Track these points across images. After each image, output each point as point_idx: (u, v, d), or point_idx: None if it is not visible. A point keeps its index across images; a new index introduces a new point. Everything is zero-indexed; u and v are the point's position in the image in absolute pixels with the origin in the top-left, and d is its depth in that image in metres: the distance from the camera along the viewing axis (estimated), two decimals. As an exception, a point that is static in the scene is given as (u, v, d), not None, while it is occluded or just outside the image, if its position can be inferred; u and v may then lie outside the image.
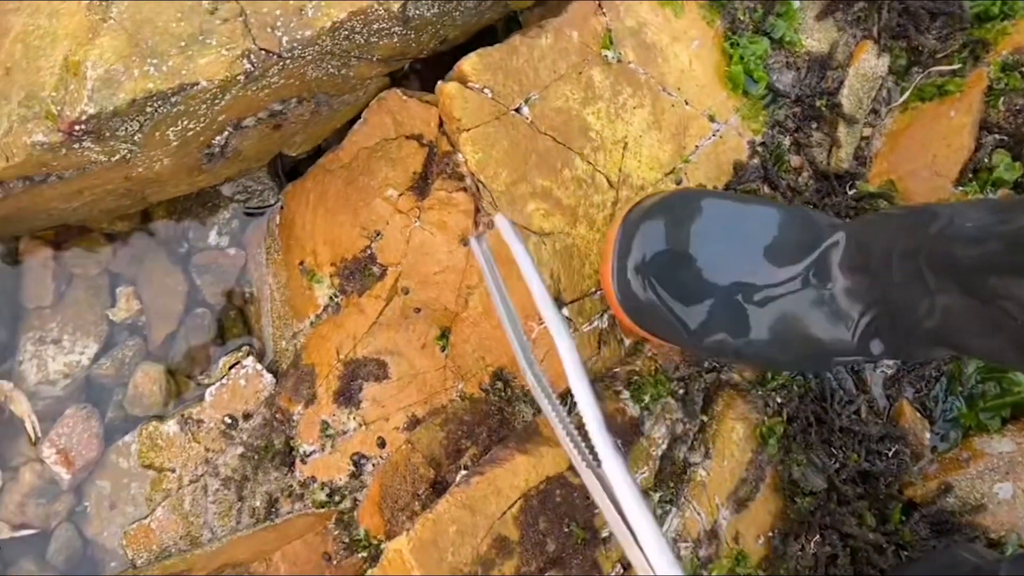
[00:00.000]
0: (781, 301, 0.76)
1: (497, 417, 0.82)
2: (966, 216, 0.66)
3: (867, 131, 0.97)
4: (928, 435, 0.95)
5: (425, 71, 0.96)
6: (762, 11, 0.94)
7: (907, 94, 0.97)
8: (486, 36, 0.90)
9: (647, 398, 0.84)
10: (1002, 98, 0.93)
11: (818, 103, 0.94)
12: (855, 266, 0.74)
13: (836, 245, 0.75)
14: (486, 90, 0.79)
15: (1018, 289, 0.59)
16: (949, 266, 0.65)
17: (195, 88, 0.70)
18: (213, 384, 0.95)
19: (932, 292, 0.66)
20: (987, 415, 0.96)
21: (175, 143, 0.76)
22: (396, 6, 0.74)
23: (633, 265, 0.75)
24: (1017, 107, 0.93)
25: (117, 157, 0.74)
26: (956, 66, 0.96)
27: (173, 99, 0.70)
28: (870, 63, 0.95)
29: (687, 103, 0.89)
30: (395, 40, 0.78)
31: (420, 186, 0.84)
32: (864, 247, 0.74)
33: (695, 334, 0.77)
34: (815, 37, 0.95)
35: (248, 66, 0.71)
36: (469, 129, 0.78)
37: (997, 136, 0.93)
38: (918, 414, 0.95)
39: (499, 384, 0.83)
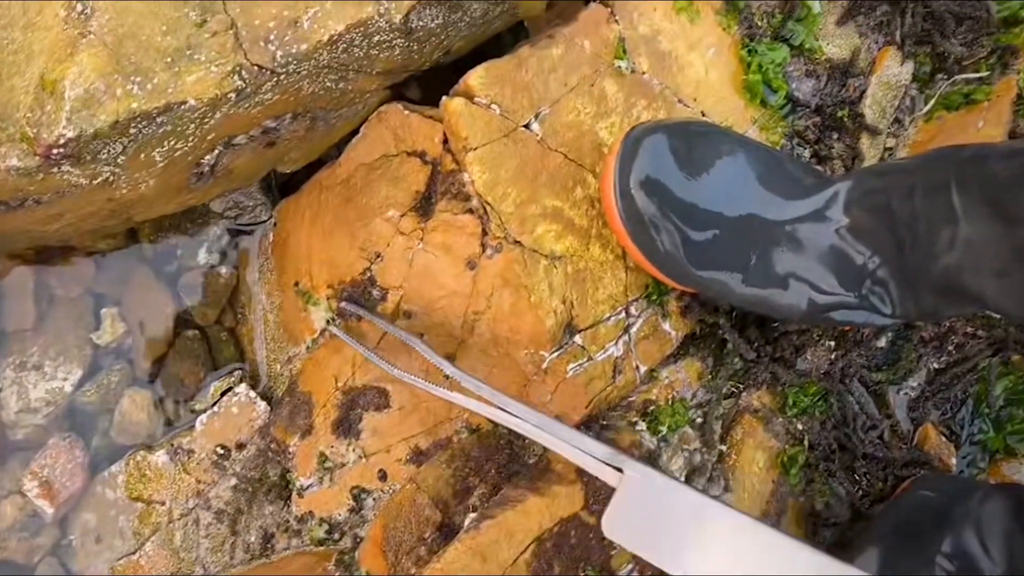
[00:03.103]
0: (788, 238, 0.73)
1: (506, 452, 0.78)
2: (999, 145, 0.68)
3: (891, 142, 0.93)
4: (954, 460, 0.91)
5: (426, 78, 0.90)
6: (781, 16, 0.89)
7: (932, 103, 0.92)
8: (490, 46, 0.85)
9: (664, 428, 0.80)
10: (1033, 108, 0.89)
11: (839, 113, 0.89)
12: (867, 205, 0.72)
13: (846, 186, 0.74)
14: (493, 106, 0.74)
15: None
16: (983, 183, 0.64)
17: (183, 107, 0.65)
18: (204, 412, 0.90)
19: (957, 220, 0.65)
20: (1015, 439, 0.92)
21: (161, 164, 0.71)
22: (398, 17, 0.68)
23: (637, 180, 0.70)
24: (1050, 117, 0.88)
25: (99, 180, 0.69)
26: (984, 73, 0.91)
27: (159, 119, 0.65)
28: (893, 70, 0.91)
29: (703, 114, 0.85)
30: (397, 52, 0.73)
31: (423, 206, 0.79)
32: (878, 188, 0.72)
33: (699, 268, 0.73)
34: (836, 43, 0.90)
35: (239, 83, 0.66)
36: (476, 148, 0.73)
37: (1028, 147, 0.89)
38: (943, 438, 0.91)
39: (508, 415, 0.79)
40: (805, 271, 0.74)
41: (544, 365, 0.76)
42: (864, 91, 0.90)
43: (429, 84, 0.91)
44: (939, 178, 0.68)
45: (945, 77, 0.93)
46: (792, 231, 0.73)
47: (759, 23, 0.88)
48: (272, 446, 0.87)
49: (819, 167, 0.90)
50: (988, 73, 0.91)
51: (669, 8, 0.83)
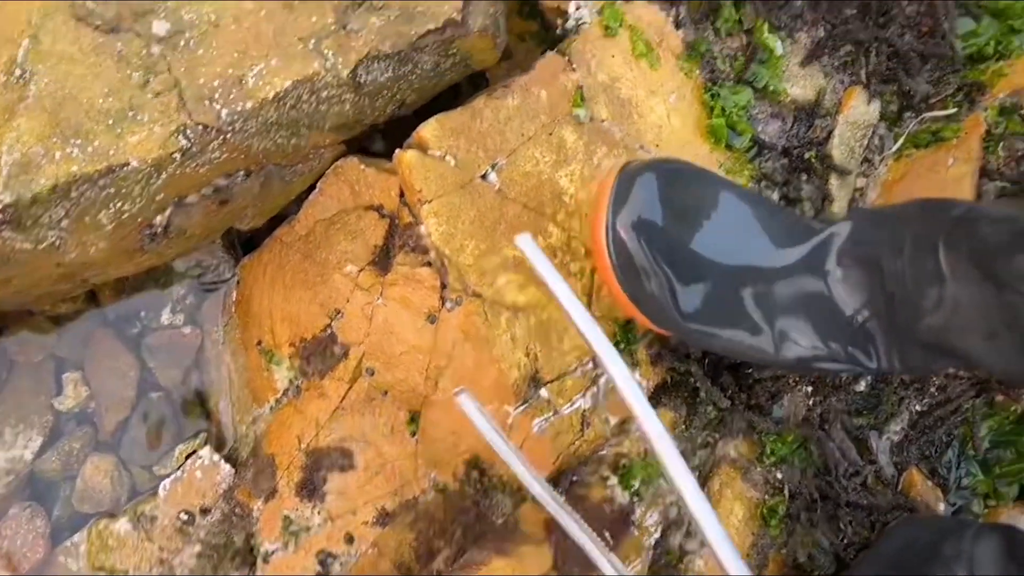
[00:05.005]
0: (779, 288, 0.71)
1: (473, 512, 0.75)
2: (987, 207, 0.67)
3: (860, 182, 0.91)
4: (942, 506, 0.88)
5: (390, 131, 0.89)
6: (743, 59, 0.88)
7: (900, 141, 0.91)
8: (449, 96, 0.84)
9: (636, 482, 0.77)
10: (1002, 143, 0.88)
11: (807, 154, 0.88)
12: (858, 256, 0.70)
13: (837, 234, 0.72)
14: (448, 157, 0.73)
15: None
16: (972, 246, 0.63)
17: (125, 169, 0.64)
18: (167, 477, 0.88)
19: (944, 280, 0.63)
20: (1003, 482, 0.89)
21: (109, 226, 0.69)
22: (345, 72, 0.67)
23: (628, 221, 0.68)
24: (1019, 152, 0.87)
25: (45, 244, 0.68)
26: (951, 110, 0.90)
27: (101, 182, 0.64)
28: (860, 110, 0.90)
29: (667, 160, 0.83)
30: (347, 107, 0.72)
31: (381, 260, 0.77)
32: (870, 238, 0.70)
33: (686, 317, 0.71)
34: (800, 84, 0.90)
35: (184, 142, 0.65)
36: (431, 200, 0.72)
37: (999, 183, 0.88)
38: (929, 483, 0.88)
39: (475, 474, 0.76)
40: (794, 321, 0.72)
41: (509, 421, 0.74)
42: (831, 131, 0.89)
43: (394, 136, 0.90)
44: (928, 236, 0.66)
45: (913, 115, 0.92)
46: (783, 281, 0.72)
47: (721, 67, 0.88)
48: (236, 510, 0.84)
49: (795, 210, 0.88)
50: (955, 110, 0.90)
51: (628, 54, 0.83)
